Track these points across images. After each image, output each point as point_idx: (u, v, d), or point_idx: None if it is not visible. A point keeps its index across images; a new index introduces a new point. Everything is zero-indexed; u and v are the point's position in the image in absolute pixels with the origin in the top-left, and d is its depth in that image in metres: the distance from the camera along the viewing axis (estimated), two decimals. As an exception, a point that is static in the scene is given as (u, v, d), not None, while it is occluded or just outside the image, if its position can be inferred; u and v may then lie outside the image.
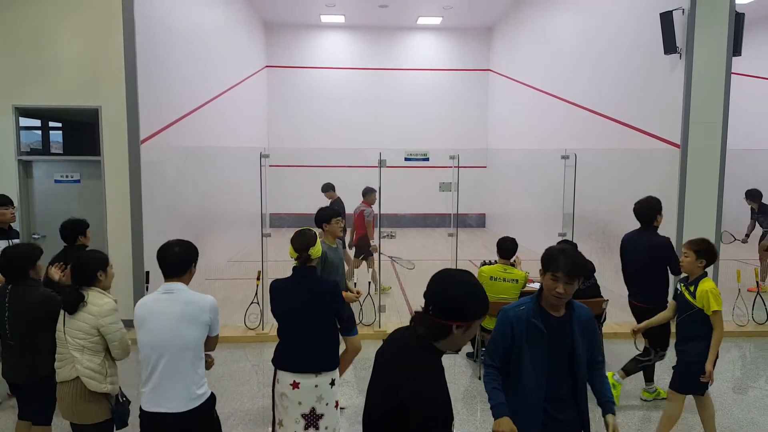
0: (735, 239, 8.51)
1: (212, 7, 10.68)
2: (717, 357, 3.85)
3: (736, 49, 7.20)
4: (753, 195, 9.18)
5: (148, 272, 6.55)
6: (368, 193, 8.72)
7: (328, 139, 16.66)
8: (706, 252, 3.93)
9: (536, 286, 6.20)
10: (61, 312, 3.26)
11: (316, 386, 3.46)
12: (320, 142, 16.56)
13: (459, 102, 17.13)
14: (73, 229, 4.72)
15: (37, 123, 8.33)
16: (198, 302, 3.02)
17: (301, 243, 3.49)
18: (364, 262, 8.68)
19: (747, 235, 9.23)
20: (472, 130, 17.13)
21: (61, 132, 8.71)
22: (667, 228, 7.44)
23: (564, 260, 2.66)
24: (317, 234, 3.65)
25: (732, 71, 7.23)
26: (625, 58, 8.74)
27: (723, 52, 7.12)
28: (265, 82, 16.33)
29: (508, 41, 15.26)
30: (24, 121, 7.05)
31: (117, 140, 6.83)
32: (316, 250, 3.53)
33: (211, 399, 3.10)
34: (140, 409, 3.00)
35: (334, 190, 9.68)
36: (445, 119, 17.06)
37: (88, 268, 3.31)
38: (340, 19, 15.97)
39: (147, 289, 6.34)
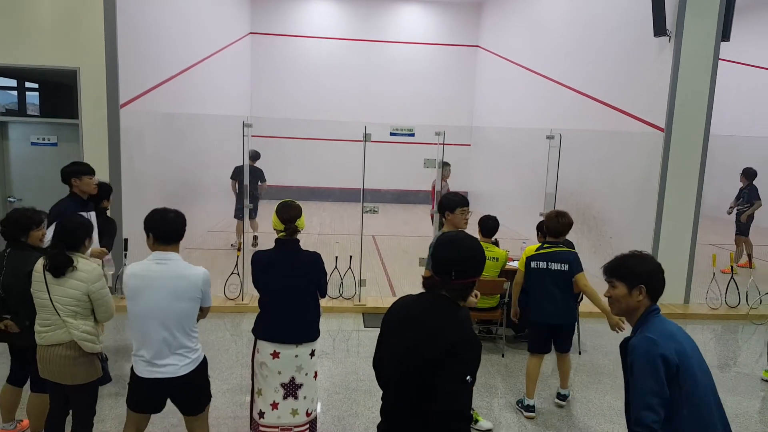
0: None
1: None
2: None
3: (725, 33, 7.20)
4: (747, 173, 9.36)
5: (126, 239, 6.45)
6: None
7: (312, 110, 16.43)
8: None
9: (516, 264, 6.26)
10: (41, 275, 3.18)
11: (296, 356, 3.48)
12: (304, 114, 16.33)
13: (446, 78, 16.98)
14: (98, 194, 4.86)
15: (13, 83, 8.07)
16: (190, 276, 3.03)
17: (288, 214, 3.45)
18: None
19: (731, 208, 9.53)
20: (458, 106, 17.02)
21: (38, 93, 8.46)
22: (647, 212, 7.55)
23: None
24: (300, 205, 3.59)
25: (720, 57, 7.26)
26: (614, 40, 8.71)
27: (712, 36, 7.12)
28: (248, 50, 15.98)
29: (497, 18, 15.12)
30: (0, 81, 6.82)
31: (96, 103, 6.64)
32: (301, 222, 3.51)
33: (204, 362, 3.18)
34: (132, 374, 3.06)
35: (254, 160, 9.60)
36: (432, 95, 16.91)
37: (76, 233, 3.27)
38: (327, -13, 15.62)
39: (125, 257, 6.24)
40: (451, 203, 4.24)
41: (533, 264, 4.57)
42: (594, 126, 9.16)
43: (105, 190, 5.02)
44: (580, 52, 9.84)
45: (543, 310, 4.49)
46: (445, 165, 8.53)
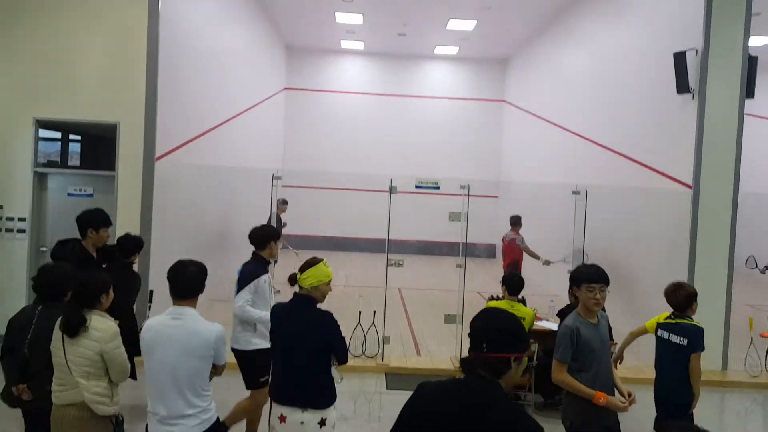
0: (757, 266, 8.36)
1: (236, 28, 10.90)
2: None
3: (749, 92, 7.16)
4: None
5: (152, 291, 6.53)
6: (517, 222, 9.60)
7: (342, 161, 16.77)
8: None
9: (545, 324, 6.12)
10: (59, 334, 3.13)
11: (302, 423, 3.24)
12: (335, 165, 16.67)
13: (473, 131, 17.21)
14: (131, 247, 4.95)
15: (57, 135, 8.51)
16: (203, 333, 3.01)
17: (300, 269, 3.44)
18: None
19: (766, 267, 9.03)
20: (485, 159, 17.16)
21: (80, 145, 8.87)
22: (678, 272, 7.33)
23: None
24: (324, 263, 3.49)
25: (745, 112, 7.20)
26: (638, 96, 8.74)
27: (736, 93, 7.09)
28: (283, 104, 16.54)
29: (522, 73, 15.37)
30: (44, 133, 7.19)
31: (133, 156, 6.92)
32: (309, 277, 3.37)
33: (217, 424, 3.11)
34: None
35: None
36: (459, 148, 17.12)
37: (92, 289, 3.21)
38: (359, 45, 16.21)
39: (150, 309, 6.31)
40: (579, 276, 3.58)
41: (659, 332, 4.45)
42: (621, 182, 9.09)
43: (136, 244, 5.03)
44: (605, 108, 9.88)
45: (655, 382, 4.41)
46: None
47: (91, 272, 3.48)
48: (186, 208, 8.32)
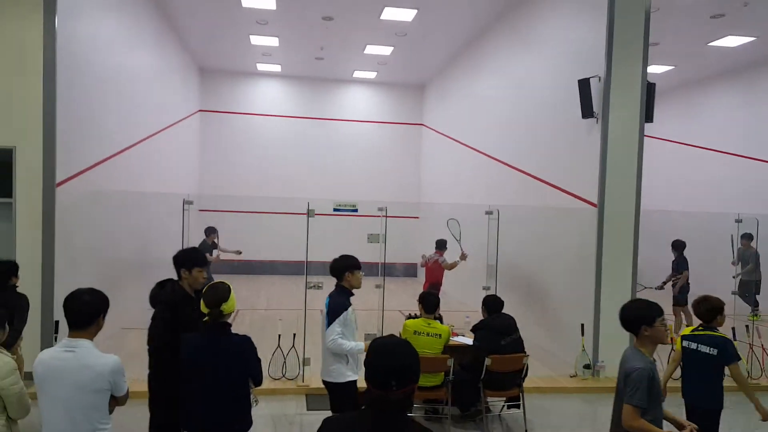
0: (645, 287, 8.96)
1: (145, 49, 10.53)
2: None
3: (648, 116, 7.74)
4: (676, 245, 9.74)
5: (57, 321, 6.14)
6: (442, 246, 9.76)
7: (261, 185, 16.50)
8: None
9: (461, 339, 6.27)
10: None
11: None
12: (253, 189, 16.36)
13: (393, 154, 17.51)
14: (4, 272, 4.93)
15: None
16: (95, 366, 2.85)
17: (213, 298, 3.33)
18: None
19: (663, 283, 9.72)
20: (406, 181, 17.47)
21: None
22: (586, 285, 7.77)
23: None
24: (230, 287, 3.45)
25: (645, 135, 7.76)
26: (546, 120, 9.25)
27: (636, 117, 7.62)
28: (198, 127, 16.09)
29: (440, 98, 15.88)
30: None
31: (31, 182, 6.48)
32: (229, 306, 3.36)
33: None
34: None
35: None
36: (380, 170, 17.34)
37: None
38: (276, 68, 16.12)
39: (56, 339, 5.92)
40: (651, 312, 3.31)
41: (684, 343, 4.54)
42: (532, 201, 9.54)
43: (9, 268, 5.13)
44: (516, 131, 10.38)
45: (683, 389, 4.52)
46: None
47: None
48: (94, 235, 7.86)
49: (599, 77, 7.69)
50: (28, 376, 3.20)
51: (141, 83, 10.25)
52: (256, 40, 13.40)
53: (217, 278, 3.50)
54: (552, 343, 8.58)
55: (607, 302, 7.58)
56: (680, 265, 9.60)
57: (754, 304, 9.65)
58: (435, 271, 9.68)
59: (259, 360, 3.40)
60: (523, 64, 10.30)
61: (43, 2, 6.47)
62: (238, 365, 3.30)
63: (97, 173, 7.96)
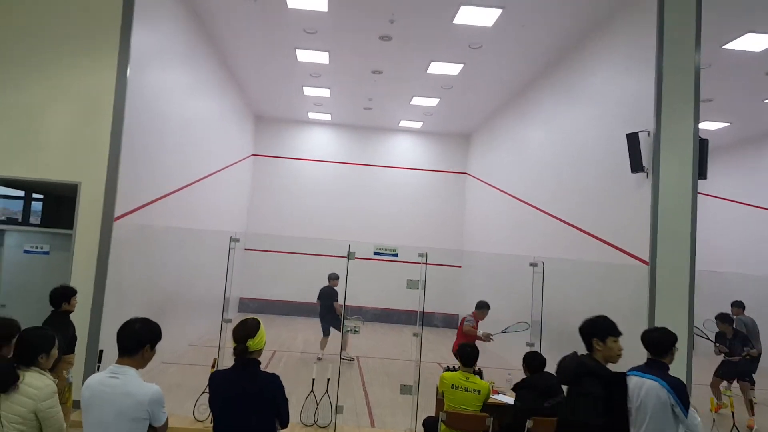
0: (706, 336, 8.40)
1: (206, 97, 11.09)
2: None
3: (701, 173, 7.47)
4: (724, 318, 8.91)
5: (101, 351, 6.31)
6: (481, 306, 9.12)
7: (306, 227, 16.80)
8: None
9: (501, 398, 6.04)
10: None
11: None
12: (298, 230, 16.67)
13: (437, 202, 17.58)
14: (60, 295, 5.27)
15: (20, 193, 8.39)
16: (136, 395, 2.90)
17: (240, 333, 3.31)
18: None
19: (723, 353, 8.77)
20: (449, 229, 17.44)
21: (41, 204, 8.74)
22: (638, 346, 7.40)
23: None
24: (260, 323, 3.43)
25: (699, 192, 7.50)
26: (593, 173, 9.12)
27: (689, 173, 7.34)
28: (250, 170, 16.66)
29: (484, 148, 15.95)
30: (5, 191, 7.10)
31: (91, 216, 6.82)
32: (256, 342, 3.32)
33: None
34: None
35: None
36: (423, 217, 17.41)
37: (31, 347, 3.19)
38: (326, 117, 16.66)
39: (98, 369, 6.08)
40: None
41: None
42: (578, 255, 9.32)
43: (65, 291, 5.37)
44: (562, 183, 10.26)
45: None
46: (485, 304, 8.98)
47: (36, 330, 3.38)
48: (144, 268, 8.14)
49: (648, 132, 7.57)
50: (77, 404, 3.27)
51: (200, 127, 10.77)
52: (309, 91, 13.97)
53: (259, 317, 3.52)
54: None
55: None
56: (742, 336, 8.72)
57: None
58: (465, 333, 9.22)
59: (286, 400, 3.34)
60: (569, 116, 10.28)
61: (118, 55, 7.00)
62: (264, 403, 3.25)
63: (153, 210, 8.30)
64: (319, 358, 10.41)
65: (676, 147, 7.45)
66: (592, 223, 9.01)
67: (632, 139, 7.63)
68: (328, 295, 10.82)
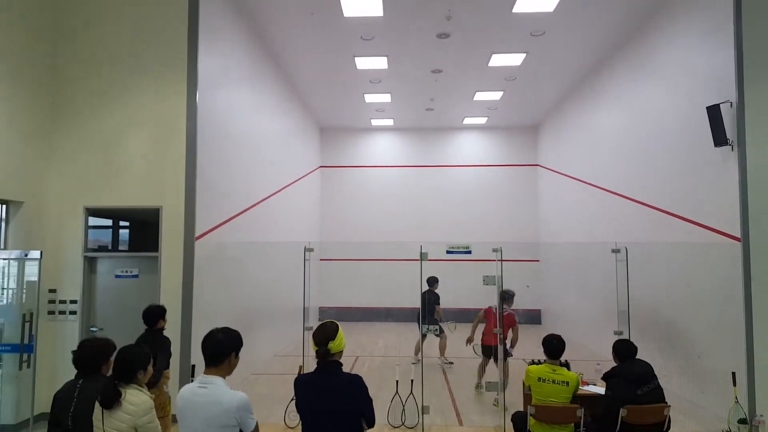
0: None
1: (272, 114, 11.46)
2: None
3: (791, 139, 7.02)
4: None
5: (194, 366, 6.61)
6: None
7: (378, 233, 16.96)
8: None
9: (591, 389, 5.85)
10: (98, 406, 3.25)
11: None
12: (371, 236, 16.87)
13: (509, 196, 17.25)
14: (155, 314, 5.54)
15: (108, 222, 9.00)
16: (223, 402, 2.99)
17: (320, 336, 3.36)
18: None
19: None
20: (524, 224, 17.05)
21: (128, 230, 9.33)
22: (734, 328, 6.97)
23: None
24: (338, 326, 3.47)
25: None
26: (672, 150, 8.66)
27: (778, 142, 6.94)
28: (318, 181, 17.04)
29: (554, 137, 15.49)
30: (96, 221, 7.59)
31: (174, 237, 7.18)
32: (337, 344, 3.36)
33: None
34: None
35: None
36: (496, 214, 17.12)
37: (129, 364, 3.34)
38: (389, 122, 16.76)
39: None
40: None
41: None
42: (662, 237, 8.85)
43: (158, 310, 5.62)
44: (641, 165, 9.79)
45: None
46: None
47: (133, 348, 3.55)
48: (226, 284, 8.48)
49: (731, 102, 7.11)
50: (175, 418, 3.40)
51: (269, 144, 11.14)
52: (370, 98, 14.11)
53: (339, 324, 3.55)
54: (699, 395, 7.72)
55: (762, 347, 6.74)
56: None
57: None
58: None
59: (370, 399, 3.35)
60: (642, 94, 9.81)
61: (187, 80, 7.34)
62: (349, 403, 3.28)
63: (230, 227, 8.65)
64: (413, 363, 10.36)
65: (761, 116, 6.99)
66: (675, 203, 8.54)
67: (714, 112, 7.23)
68: (429, 299, 10.56)
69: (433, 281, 10.60)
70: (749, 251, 6.86)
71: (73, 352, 3.68)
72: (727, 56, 7.20)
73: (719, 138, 7.18)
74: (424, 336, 10.39)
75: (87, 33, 7.50)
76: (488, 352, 8.46)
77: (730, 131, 7.12)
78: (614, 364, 5.43)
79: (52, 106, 7.41)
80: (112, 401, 3.20)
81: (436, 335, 10.17)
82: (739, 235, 6.97)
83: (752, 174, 6.94)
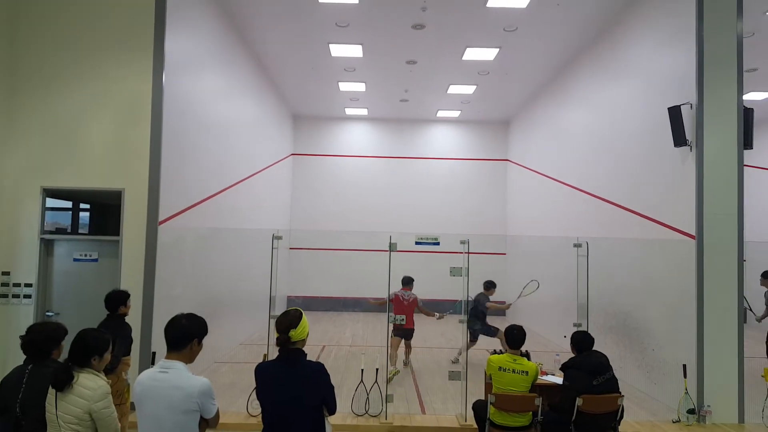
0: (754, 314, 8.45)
1: (243, 100, 11.31)
2: None
3: (746, 142, 7.25)
4: (766, 275, 8.96)
5: (154, 353, 6.54)
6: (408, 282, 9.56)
7: (348, 223, 16.97)
8: None
9: (550, 378, 6.00)
10: (52, 390, 3.18)
11: None
12: (340, 226, 16.88)
13: (478, 190, 17.42)
14: (116, 299, 5.37)
15: (68, 204, 8.76)
16: (185, 387, 2.97)
17: (282, 323, 3.35)
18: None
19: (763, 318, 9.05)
20: (492, 218, 17.27)
21: (88, 213, 9.10)
22: (686, 322, 7.21)
23: None
24: (302, 314, 3.47)
25: (745, 164, 7.26)
26: (635, 149, 8.87)
27: (734, 144, 7.18)
28: (290, 169, 16.91)
29: (523, 133, 15.68)
30: (54, 202, 7.36)
31: (136, 221, 7.05)
32: (299, 332, 3.35)
33: None
34: None
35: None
36: (465, 207, 17.30)
37: (85, 348, 3.27)
38: (363, 111, 16.71)
39: (152, 371, 6.30)
40: None
41: None
42: (623, 233, 9.07)
43: (120, 296, 5.46)
44: (604, 163, 10.01)
45: None
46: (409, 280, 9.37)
47: (92, 331, 3.46)
48: (191, 271, 8.39)
49: (691, 104, 7.32)
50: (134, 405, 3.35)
51: (239, 129, 10.99)
52: (344, 86, 14.03)
53: (307, 314, 3.54)
54: (651, 385, 7.97)
55: (712, 341, 6.99)
56: None
57: None
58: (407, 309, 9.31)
59: (332, 387, 3.37)
60: (608, 93, 10.00)
61: (153, 61, 7.17)
62: (312, 391, 3.29)
63: (196, 212, 8.53)
64: (453, 362, 10.18)
65: (720, 118, 7.21)
66: (636, 200, 8.76)
67: (674, 113, 7.42)
68: (479, 301, 10.20)
69: (489, 285, 10.34)
70: (703, 249, 7.10)
71: (22, 337, 3.57)
72: (688, 59, 7.39)
73: (679, 138, 7.38)
74: (476, 338, 9.94)
75: (47, 9, 7.26)
76: (399, 333, 9.10)
77: (690, 132, 7.32)
78: (572, 355, 5.59)
79: (11, 86, 7.16)
80: (63, 383, 3.13)
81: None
82: (694, 233, 7.20)
83: (708, 173, 7.17)
